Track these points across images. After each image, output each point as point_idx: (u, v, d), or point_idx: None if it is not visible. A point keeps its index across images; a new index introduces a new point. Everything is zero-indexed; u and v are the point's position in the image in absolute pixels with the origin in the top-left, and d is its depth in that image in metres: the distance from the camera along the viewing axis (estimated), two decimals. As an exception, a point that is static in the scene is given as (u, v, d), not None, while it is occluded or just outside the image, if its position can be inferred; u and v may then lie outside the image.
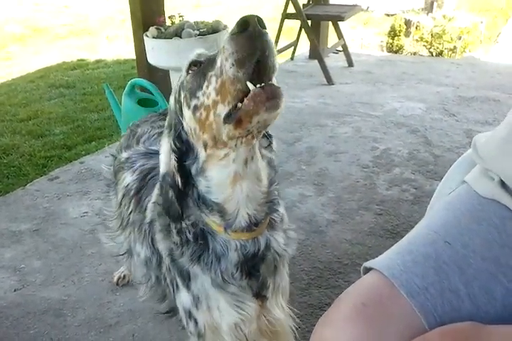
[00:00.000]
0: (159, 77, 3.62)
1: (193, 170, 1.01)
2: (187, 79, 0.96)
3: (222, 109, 0.87)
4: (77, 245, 2.33)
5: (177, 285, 1.18)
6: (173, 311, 1.34)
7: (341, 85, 4.45)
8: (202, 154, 0.98)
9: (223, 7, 9.03)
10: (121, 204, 1.50)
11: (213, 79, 0.87)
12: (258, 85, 0.83)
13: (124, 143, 1.67)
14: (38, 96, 4.85)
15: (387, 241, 2.21)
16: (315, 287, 2.01)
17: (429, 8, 7.43)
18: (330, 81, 4.45)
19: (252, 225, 1.04)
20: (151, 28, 3.44)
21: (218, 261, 1.07)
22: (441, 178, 1.21)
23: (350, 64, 4.95)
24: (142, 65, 3.73)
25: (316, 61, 4.55)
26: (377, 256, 0.95)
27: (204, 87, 0.89)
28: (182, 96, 0.97)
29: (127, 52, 5.98)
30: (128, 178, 1.47)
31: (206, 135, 0.94)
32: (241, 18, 0.81)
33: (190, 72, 0.95)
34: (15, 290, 2.06)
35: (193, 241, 1.07)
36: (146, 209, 1.28)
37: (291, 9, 4.50)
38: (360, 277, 0.94)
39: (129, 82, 3.06)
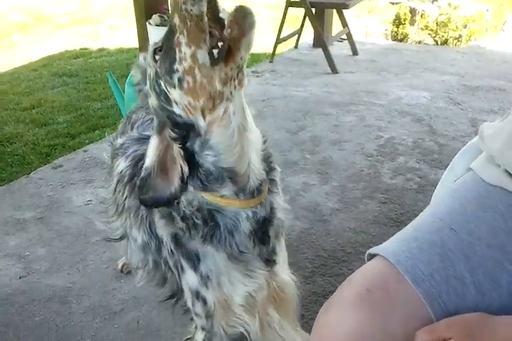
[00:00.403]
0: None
1: (197, 148, 1.01)
2: (159, 65, 0.96)
3: (202, 54, 0.88)
4: (81, 233, 2.34)
5: (182, 268, 1.18)
6: (176, 295, 1.35)
7: (345, 74, 4.42)
8: (202, 125, 0.97)
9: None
10: (115, 190, 1.50)
11: (181, 37, 0.88)
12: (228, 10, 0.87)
13: (120, 129, 1.68)
14: (41, 84, 4.84)
15: (391, 230, 2.21)
16: (319, 275, 2.02)
17: (434, -4, 7.36)
18: (334, 69, 4.42)
19: (260, 186, 1.06)
20: (154, 16, 3.43)
21: (231, 235, 1.09)
22: (446, 167, 1.21)
23: (355, 52, 4.91)
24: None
25: (320, 49, 4.52)
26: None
27: (177, 55, 0.90)
28: (162, 83, 0.97)
29: (130, 41, 5.96)
30: (122, 164, 1.47)
31: (201, 99, 0.93)
32: None
33: (156, 58, 0.97)
34: (20, 278, 2.07)
35: (203, 225, 1.08)
36: None
37: (295, -3, 4.46)
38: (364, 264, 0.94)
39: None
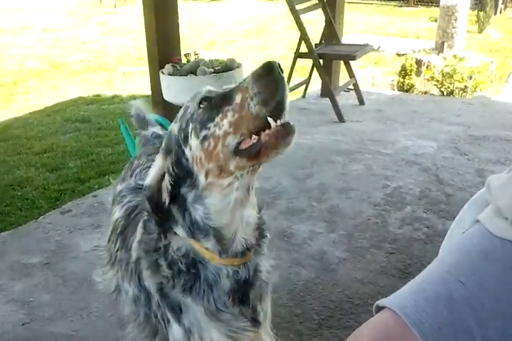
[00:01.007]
0: (174, 113, 3.69)
1: (190, 197, 1.04)
2: (198, 112, 1.02)
3: (232, 140, 0.95)
4: (86, 279, 2.32)
5: (168, 320, 1.17)
6: None
7: (352, 123, 4.49)
8: (202, 181, 1.02)
9: (237, 45, 9.25)
10: (110, 239, 1.52)
11: (230, 113, 0.96)
12: (278, 122, 0.93)
13: (122, 175, 1.73)
14: (53, 129, 4.95)
15: (400, 281, 2.18)
16: (326, 327, 1.98)
17: (439, 49, 7.56)
18: (341, 118, 4.50)
19: (246, 250, 1.08)
20: (167, 66, 3.54)
21: (211, 290, 1.09)
22: (454, 218, 1.21)
23: (361, 102, 5.01)
24: (157, 101, 3.81)
25: (327, 99, 4.62)
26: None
27: (217, 119, 0.97)
28: (190, 126, 1.02)
29: (142, 88, 6.12)
30: (117, 213, 1.50)
31: (212, 164, 0.99)
32: (265, 63, 0.92)
33: (201, 106, 1.02)
34: (23, 324, 2.05)
35: (185, 271, 1.09)
36: (131, 249, 1.29)
37: (303, 48, 4.60)
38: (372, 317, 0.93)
39: (144, 118, 3.11)
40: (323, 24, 4.93)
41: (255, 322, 1.17)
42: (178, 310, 1.13)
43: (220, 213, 1.03)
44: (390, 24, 11.01)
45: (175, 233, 1.09)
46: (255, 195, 1.10)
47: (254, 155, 0.95)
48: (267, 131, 0.93)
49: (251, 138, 0.95)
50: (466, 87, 5.80)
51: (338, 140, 4.07)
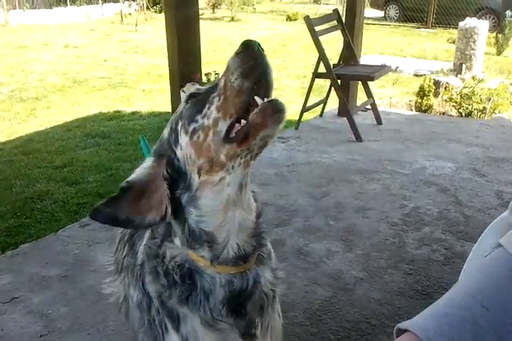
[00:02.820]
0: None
1: (184, 199, 1.02)
2: (186, 108, 1.02)
3: (223, 125, 0.94)
4: (104, 292, 2.34)
5: (166, 328, 1.15)
6: None
7: (370, 142, 4.50)
8: (195, 181, 1.00)
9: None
10: (117, 248, 1.52)
11: (215, 99, 0.95)
12: (265, 100, 0.92)
13: None
14: (74, 144, 5.02)
15: (418, 303, 2.16)
16: (342, 347, 1.97)
17: (458, 70, 7.56)
18: (358, 138, 4.51)
19: (240, 259, 1.05)
20: (187, 85, 3.59)
21: (207, 299, 1.06)
22: (472, 239, 1.22)
23: (379, 122, 5.02)
24: (177, 118, 3.86)
25: (344, 118, 4.64)
26: (407, 318, 0.93)
27: (205, 110, 0.96)
28: (180, 124, 1.02)
29: (162, 105, 6.21)
30: None
31: (202, 159, 0.97)
32: (244, 41, 0.92)
33: (189, 102, 1.02)
34: (40, 336, 2.07)
35: (181, 283, 1.07)
36: (137, 252, 1.28)
37: (322, 68, 4.65)
38: (390, 339, 0.92)
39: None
40: (342, 43, 4.98)
41: (250, 335, 1.12)
42: (176, 319, 1.11)
43: (212, 213, 1.01)
44: (407, 45, 11.06)
45: (171, 241, 1.07)
46: (253, 200, 1.07)
47: (243, 139, 0.92)
48: (254, 110, 0.91)
49: (240, 123, 0.94)
50: (484, 108, 5.77)
51: (355, 159, 4.08)
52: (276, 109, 0.91)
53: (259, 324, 1.14)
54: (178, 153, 1.02)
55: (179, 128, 1.02)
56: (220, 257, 1.03)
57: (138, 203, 1.02)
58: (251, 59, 0.92)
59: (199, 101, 0.99)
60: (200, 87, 1.06)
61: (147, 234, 1.21)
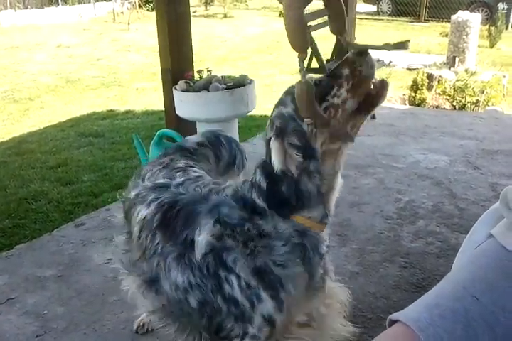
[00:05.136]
0: (187, 128, 3.72)
1: (312, 167, 1.20)
2: (317, 87, 1.19)
3: (352, 102, 1.17)
4: (99, 292, 2.34)
5: (259, 298, 1.26)
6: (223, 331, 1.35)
7: (364, 137, 4.50)
8: (318, 151, 1.19)
9: (249, 61, 9.33)
10: (139, 236, 1.52)
11: (344, 83, 1.16)
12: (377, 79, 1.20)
13: (131, 185, 1.75)
14: (67, 144, 5.01)
15: (413, 295, 2.17)
16: (338, 341, 1.96)
17: (451, 63, 7.55)
18: (353, 133, 4.49)
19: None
20: (180, 82, 3.58)
21: (314, 255, 1.28)
22: (467, 232, 1.21)
23: (373, 116, 5.01)
24: (171, 116, 3.84)
25: (339, 113, 4.63)
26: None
27: (333, 91, 1.17)
28: None
29: (155, 103, 6.19)
30: (143, 211, 1.51)
31: (327, 131, 1.17)
32: (356, 51, 1.19)
33: (317, 82, 1.20)
34: (37, 336, 2.06)
35: (298, 243, 1.25)
36: (191, 242, 1.32)
37: (314, 64, 4.63)
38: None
39: (158, 133, 3.14)
40: (334, 39, 4.96)
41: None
42: (278, 286, 1.26)
43: (329, 178, 1.23)
44: (401, 39, 11.00)
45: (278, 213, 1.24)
46: None
47: (366, 106, 1.18)
48: (377, 83, 1.18)
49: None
50: (478, 101, 5.79)
51: (349, 154, 4.01)
52: (387, 83, 1.20)
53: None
54: (304, 126, 1.18)
55: None
56: (328, 215, 1.27)
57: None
58: (367, 57, 1.18)
59: (328, 83, 1.18)
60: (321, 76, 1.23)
61: (210, 226, 1.29)
